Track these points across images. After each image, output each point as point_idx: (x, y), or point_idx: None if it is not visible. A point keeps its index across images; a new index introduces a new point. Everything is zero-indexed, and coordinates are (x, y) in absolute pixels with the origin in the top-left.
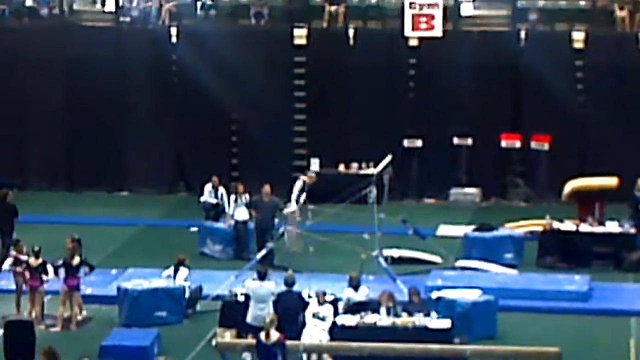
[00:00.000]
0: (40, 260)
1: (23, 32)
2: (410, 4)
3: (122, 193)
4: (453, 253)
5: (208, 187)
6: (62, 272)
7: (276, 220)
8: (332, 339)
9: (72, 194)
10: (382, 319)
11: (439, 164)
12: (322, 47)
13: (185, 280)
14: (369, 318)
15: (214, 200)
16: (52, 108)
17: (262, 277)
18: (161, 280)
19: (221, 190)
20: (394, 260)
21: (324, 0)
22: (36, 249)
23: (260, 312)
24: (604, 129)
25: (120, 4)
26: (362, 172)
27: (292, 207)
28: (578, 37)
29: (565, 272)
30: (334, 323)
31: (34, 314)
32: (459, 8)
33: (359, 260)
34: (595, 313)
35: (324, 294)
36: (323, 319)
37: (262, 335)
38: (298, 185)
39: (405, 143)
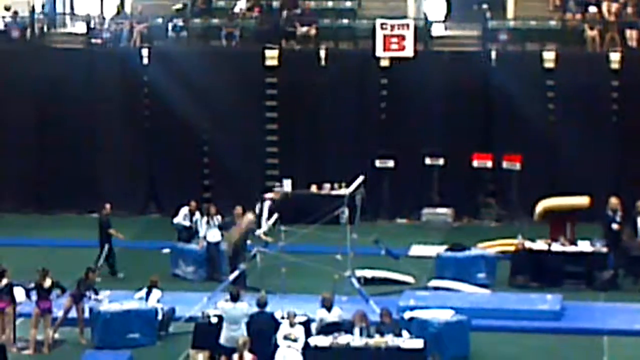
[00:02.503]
0: (5, 282)
1: None
2: (382, 24)
3: (94, 215)
4: (426, 273)
5: (184, 210)
6: (34, 294)
7: (248, 242)
8: (305, 359)
9: (43, 216)
10: (355, 340)
11: (411, 184)
12: (294, 68)
13: (158, 302)
14: (342, 339)
15: (187, 223)
16: (23, 130)
17: (234, 298)
18: (134, 302)
19: (197, 215)
20: (367, 281)
21: (295, 21)
22: None
23: (233, 333)
24: (575, 148)
25: (92, 25)
26: (335, 192)
27: (264, 228)
28: (548, 57)
29: (537, 292)
30: (307, 344)
31: (4, 337)
32: (429, 29)
33: (331, 280)
34: (567, 332)
35: (295, 315)
36: (295, 340)
37: (236, 357)
38: (267, 205)
39: (377, 163)
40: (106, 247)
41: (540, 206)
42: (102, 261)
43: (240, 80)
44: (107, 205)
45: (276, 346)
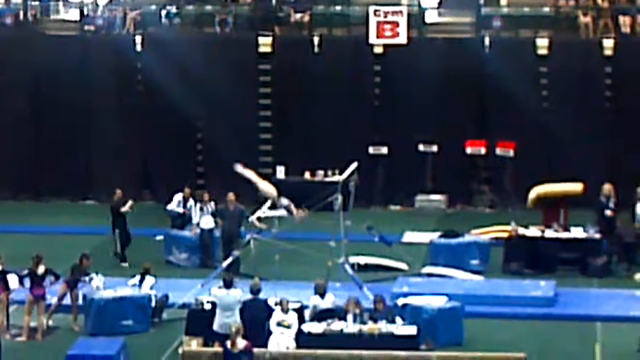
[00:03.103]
0: None
1: None
2: (375, 11)
3: (88, 202)
4: (419, 260)
5: (178, 196)
6: (27, 281)
7: (242, 228)
8: (298, 346)
9: (37, 203)
10: (349, 326)
11: (405, 171)
12: (287, 55)
13: (151, 288)
14: (336, 325)
15: (180, 210)
16: (16, 117)
17: (228, 285)
18: (127, 289)
19: (190, 201)
20: (360, 268)
21: (289, 8)
22: None
23: (226, 320)
24: (568, 134)
25: (85, 12)
26: (328, 179)
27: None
28: (542, 44)
29: (530, 278)
30: (300, 330)
31: None
32: (423, 15)
33: (325, 267)
34: (561, 318)
35: (288, 302)
36: (288, 326)
37: (229, 343)
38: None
39: (371, 150)
40: (117, 232)
41: (534, 192)
42: (119, 249)
43: (234, 67)
44: (118, 191)
45: (269, 332)
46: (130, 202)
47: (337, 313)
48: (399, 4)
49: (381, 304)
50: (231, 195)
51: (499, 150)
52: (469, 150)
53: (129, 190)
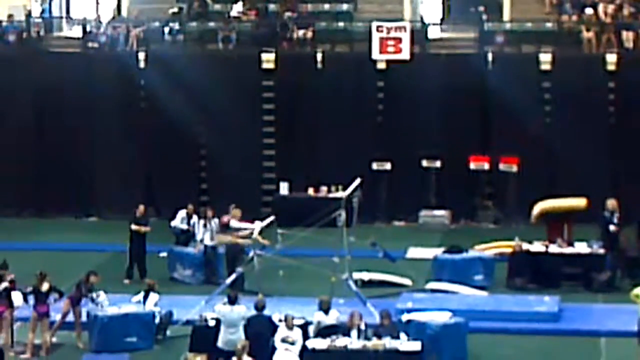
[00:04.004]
0: (2, 286)
1: None
2: (378, 27)
3: (91, 219)
4: (423, 275)
5: (182, 213)
6: (31, 298)
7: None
8: None
9: (41, 220)
10: (353, 342)
11: (408, 187)
12: (290, 71)
13: (155, 305)
14: (340, 341)
15: (184, 227)
16: (20, 134)
17: (232, 301)
18: (131, 305)
19: (194, 218)
20: (364, 284)
21: (292, 24)
22: None
23: (231, 336)
24: (572, 150)
25: (88, 29)
26: (332, 195)
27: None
28: (545, 59)
29: (535, 293)
30: (305, 347)
31: (2, 341)
32: (426, 31)
33: (329, 283)
34: (565, 334)
35: (292, 317)
36: (293, 343)
37: None
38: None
39: (374, 166)
40: (127, 249)
41: (538, 208)
42: (135, 265)
43: (237, 83)
44: (141, 207)
45: (274, 349)
46: (147, 228)
47: (341, 329)
48: (401, 20)
49: (387, 319)
50: (236, 212)
51: (502, 166)
52: (472, 165)
53: (132, 207)
